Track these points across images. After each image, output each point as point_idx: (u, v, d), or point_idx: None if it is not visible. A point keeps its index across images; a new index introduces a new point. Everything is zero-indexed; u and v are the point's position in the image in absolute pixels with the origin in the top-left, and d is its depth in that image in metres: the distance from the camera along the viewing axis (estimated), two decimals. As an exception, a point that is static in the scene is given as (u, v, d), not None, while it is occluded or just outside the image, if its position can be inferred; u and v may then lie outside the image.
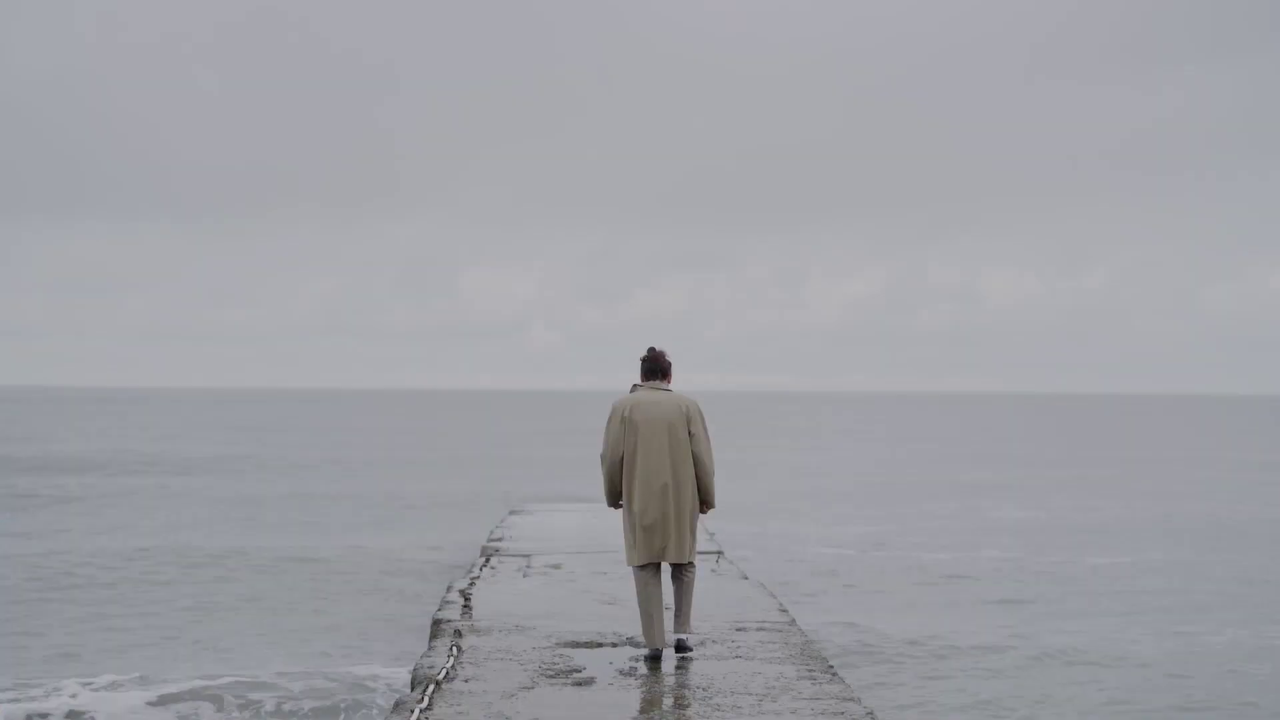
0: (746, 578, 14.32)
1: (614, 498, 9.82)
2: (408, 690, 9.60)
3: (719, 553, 16.32)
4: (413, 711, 8.24)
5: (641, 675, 9.30)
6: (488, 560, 15.48)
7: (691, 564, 9.73)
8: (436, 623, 11.42)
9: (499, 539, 17.77)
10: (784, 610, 12.19)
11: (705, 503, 9.77)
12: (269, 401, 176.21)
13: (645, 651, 9.87)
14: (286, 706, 11.85)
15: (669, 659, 9.77)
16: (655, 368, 9.86)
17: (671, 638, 9.90)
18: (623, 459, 9.65)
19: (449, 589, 13.36)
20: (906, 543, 24.40)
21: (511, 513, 21.93)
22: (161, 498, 33.10)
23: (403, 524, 27.79)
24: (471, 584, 13.57)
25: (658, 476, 9.55)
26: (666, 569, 9.93)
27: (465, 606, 12.14)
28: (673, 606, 9.90)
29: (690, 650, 9.88)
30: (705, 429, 9.74)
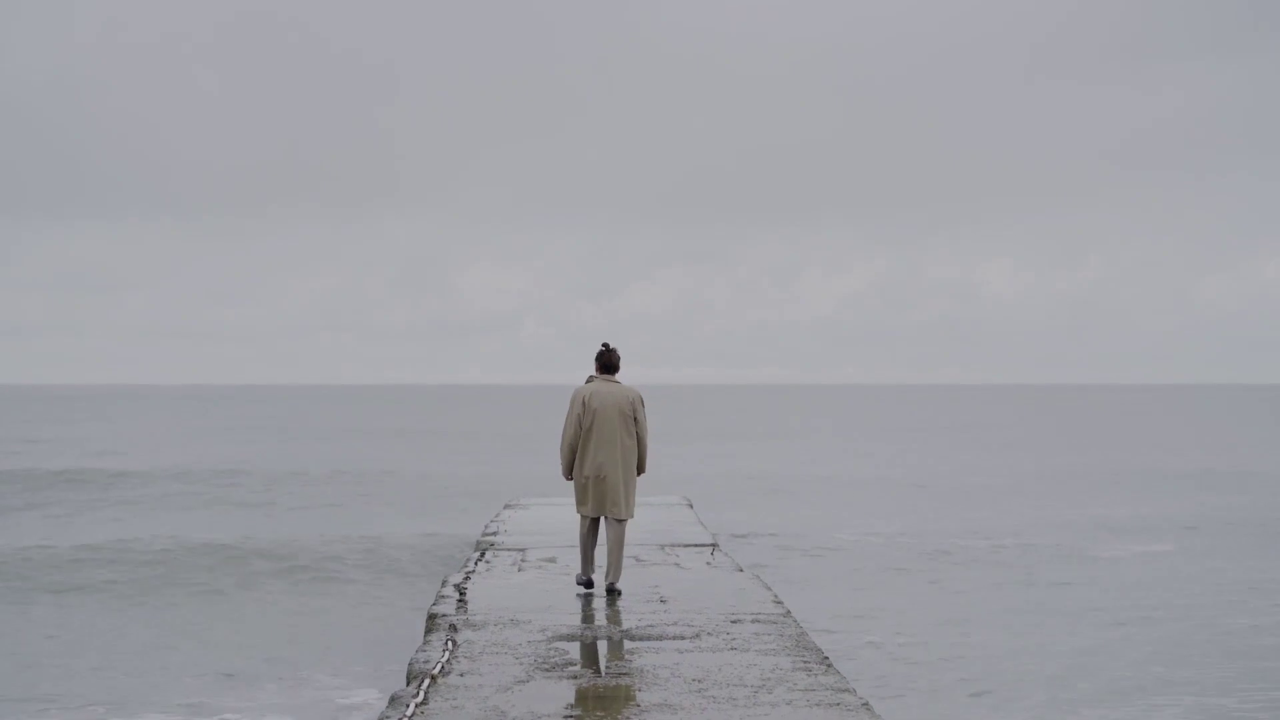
0: (741, 570, 14.31)
1: (569, 468, 12.04)
2: (403, 685, 9.60)
3: (714, 545, 16.31)
4: (408, 706, 8.23)
5: (636, 669, 9.31)
6: (482, 554, 15.47)
7: (624, 520, 12.03)
8: (431, 617, 11.41)
9: (494, 533, 17.75)
10: (779, 602, 12.18)
11: (640, 469, 12.15)
12: (268, 399, 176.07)
13: (581, 578, 12.31)
14: (280, 702, 11.85)
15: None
16: (608, 363, 12.09)
17: (604, 584, 12.19)
18: (579, 435, 11.92)
19: (444, 583, 13.34)
20: (904, 535, 24.43)
21: (506, 507, 21.91)
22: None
23: (397, 519, 27.80)
24: (466, 578, 13.55)
25: (609, 450, 11.86)
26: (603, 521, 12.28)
27: (460, 601, 12.13)
28: (608, 553, 12.12)
29: (619, 592, 12.10)
30: (645, 416, 12.03)
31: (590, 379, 12.10)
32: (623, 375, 12.19)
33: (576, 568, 14.23)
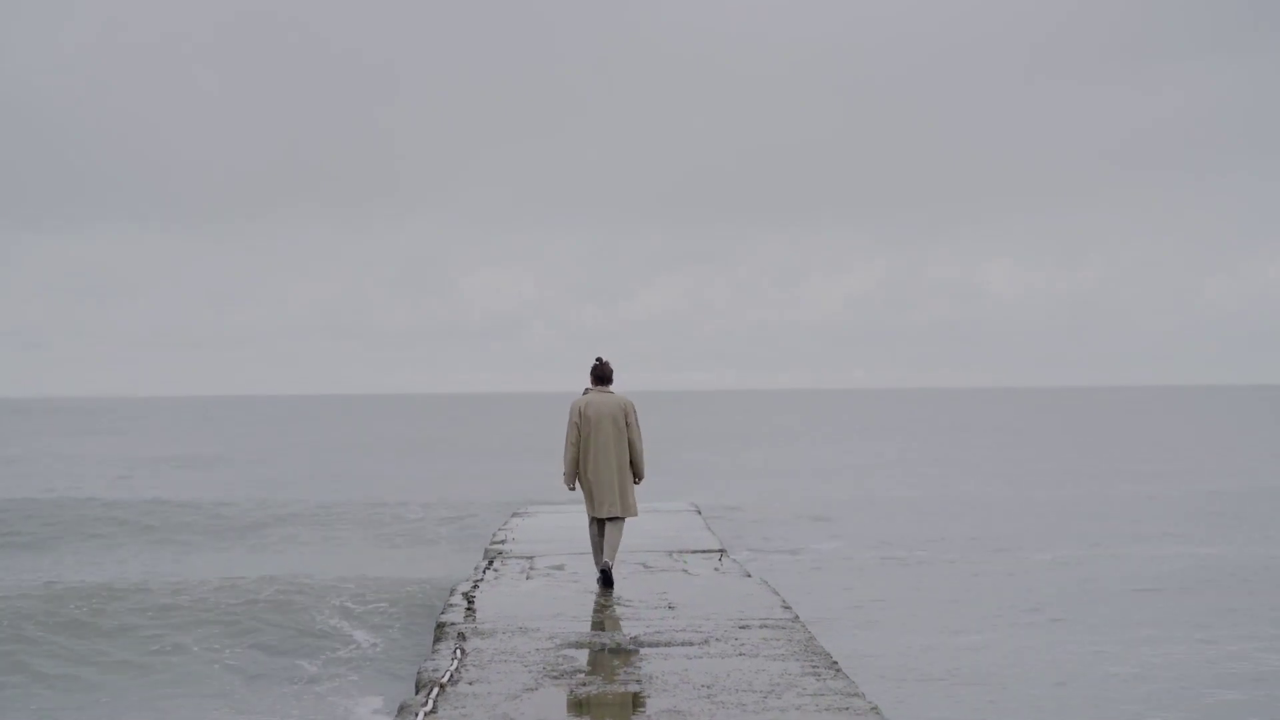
0: (749, 575, 14.32)
1: (572, 478, 13.13)
2: (412, 694, 9.60)
3: (722, 551, 16.31)
4: (416, 715, 8.24)
5: (645, 675, 9.31)
6: (491, 563, 15.48)
7: (622, 518, 13.13)
8: (440, 626, 11.42)
9: (501, 541, 17.76)
10: (787, 607, 12.18)
11: (637, 475, 13.24)
12: (273, 410, 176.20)
13: (598, 568, 13.31)
14: (289, 713, 11.84)
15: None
16: (602, 375, 13.25)
17: (602, 564, 13.26)
18: (579, 444, 12.99)
19: (452, 592, 13.36)
20: (912, 542, 24.40)
21: (514, 515, 21.93)
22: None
23: (405, 528, 27.81)
24: (475, 586, 13.57)
25: (605, 455, 12.97)
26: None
27: (469, 609, 12.14)
28: (604, 544, 13.26)
29: (610, 573, 13.29)
30: (638, 421, 13.15)
31: (586, 390, 13.22)
32: (624, 379, 13.46)
33: (584, 574, 14.59)
